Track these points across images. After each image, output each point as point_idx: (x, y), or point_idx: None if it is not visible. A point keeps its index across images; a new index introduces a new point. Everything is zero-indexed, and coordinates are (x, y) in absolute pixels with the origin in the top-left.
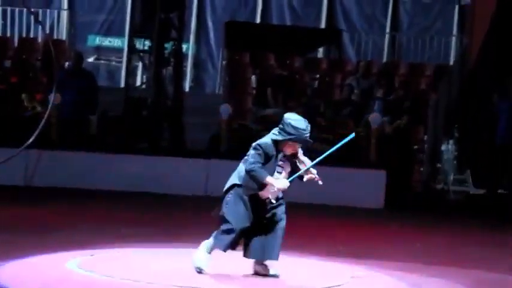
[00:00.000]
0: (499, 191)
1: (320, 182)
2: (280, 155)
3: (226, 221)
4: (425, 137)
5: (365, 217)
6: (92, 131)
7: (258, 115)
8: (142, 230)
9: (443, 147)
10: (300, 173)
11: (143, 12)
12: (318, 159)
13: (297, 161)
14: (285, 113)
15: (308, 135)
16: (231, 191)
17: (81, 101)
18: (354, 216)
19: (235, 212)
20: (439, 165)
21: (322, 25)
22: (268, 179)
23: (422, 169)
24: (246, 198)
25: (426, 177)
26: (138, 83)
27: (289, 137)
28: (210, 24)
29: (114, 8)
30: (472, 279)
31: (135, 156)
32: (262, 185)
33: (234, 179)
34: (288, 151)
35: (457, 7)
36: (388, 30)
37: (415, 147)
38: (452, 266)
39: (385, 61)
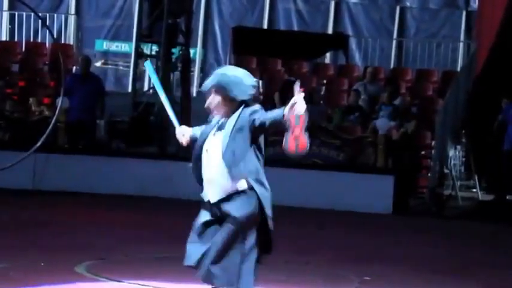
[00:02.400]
0: (508, 197)
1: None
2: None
3: None
4: (433, 143)
5: (373, 222)
6: (99, 135)
7: None
8: (149, 234)
9: (450, 153)
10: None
11: (150, 17)
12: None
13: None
14: None
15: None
16: None
17: (88, 105)
18: (362, 222)
19: None
20: (446, 170)
21: (329, 31)
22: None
23: (429, 174)
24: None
25: (434, 183)
26: (146, 87)
27: None
28: (217, 29)
29: (122, 13)
30: (479, 284)
31: (142, 160)
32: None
33: None
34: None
35: (464, 13)
36: (395, 36)
37: (423, 152)
38: (460, 272)
39: (392, 67)
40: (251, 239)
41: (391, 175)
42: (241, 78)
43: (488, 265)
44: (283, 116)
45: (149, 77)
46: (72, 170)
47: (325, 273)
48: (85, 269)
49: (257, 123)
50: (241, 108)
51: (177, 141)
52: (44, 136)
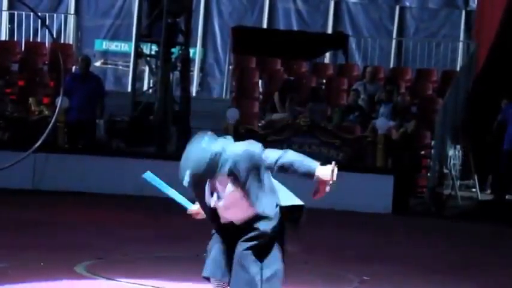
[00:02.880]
0: (507, 196)
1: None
2: None
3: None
4: (433, 142)
5: (373, 222)
6: (99, 135)
7: (265, 120)
8: (148, 234)
9: (450, 153)
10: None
11: (150, 17)
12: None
13: None
14: (292, 117)
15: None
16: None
17: (88, 104)
18: (362, 221)
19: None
20: (446, 170)
21: (329, 30)
22: None
23: (429, 174)
24: None
25: (433, 183)
26: (145, 87)
27: None
28: (216, 29)
29: (121, 12)
30: (479, 284)
31: (142, 160)
32: None
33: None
34: None
35: (463, 12)
36: (394, 35)
37: (422, 152)
38: (460, 272)
39: (391, 66)
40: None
41: (390, 175)
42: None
43: (488, 265)
44: (314, 176)
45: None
46: (72, 169)
47: (324, 272)
48: (84, 268)
49: (279, 163)
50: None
51: (176, 140)
52: (44, 136)
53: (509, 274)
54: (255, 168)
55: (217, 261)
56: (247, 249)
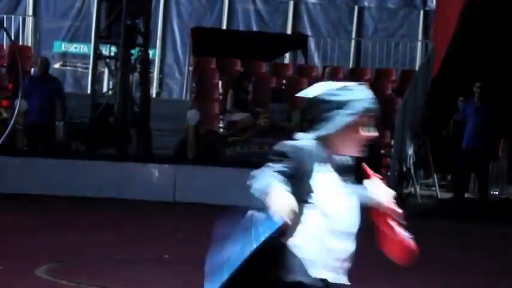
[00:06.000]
0: (466, 194)
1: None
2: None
3: None
4: (392, 142)
5: None
6: (58, 137)
7: (226, 120)
8: (109, 236)
9: (410, 152)
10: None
11: (109, 18)
12: None
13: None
14: (253, 119)
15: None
16: None
17: (47, 107)
18: None
19: None
20: (405, 169)
21: (288, 31)
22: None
23: (389, 173)
24: None
25: (393, 181)
26: (105, 89)
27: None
28: (176, 30)
29: (80, 14)
30: (439, 282)
31: (102, 162)
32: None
33: None
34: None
35: (421, 12)
36: (353, 35)
37: (382, 151)
38: (420, 269)
39: (351, 67)
40: None
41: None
42: None
43: (447, 262)
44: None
45: None
46: (32, 172)
47: None
48: (45, 272)
49: None
50: None
51: (136, 142)
52: (3, 138)
53: (469, 271)
54: None
55: None
56: None
